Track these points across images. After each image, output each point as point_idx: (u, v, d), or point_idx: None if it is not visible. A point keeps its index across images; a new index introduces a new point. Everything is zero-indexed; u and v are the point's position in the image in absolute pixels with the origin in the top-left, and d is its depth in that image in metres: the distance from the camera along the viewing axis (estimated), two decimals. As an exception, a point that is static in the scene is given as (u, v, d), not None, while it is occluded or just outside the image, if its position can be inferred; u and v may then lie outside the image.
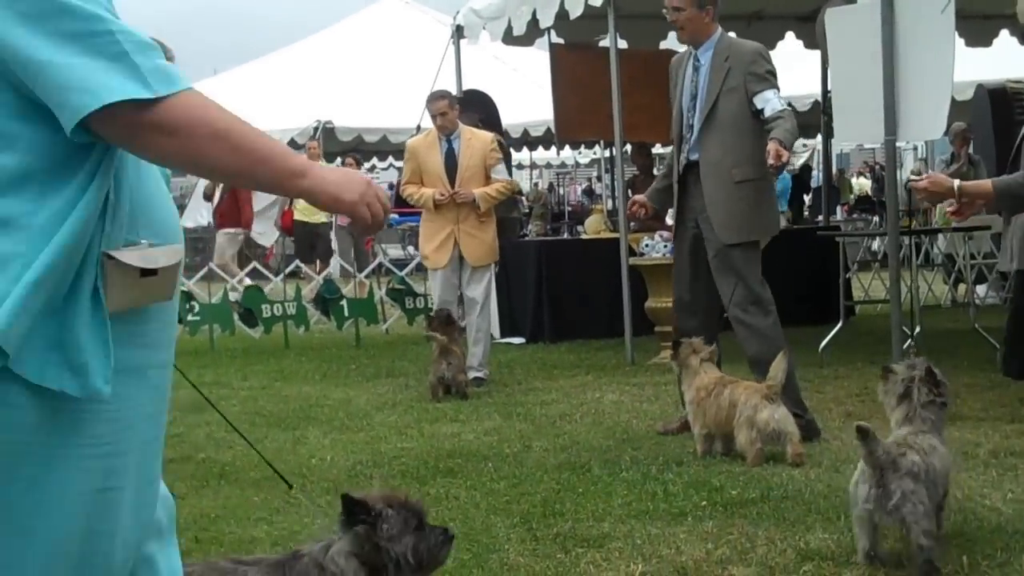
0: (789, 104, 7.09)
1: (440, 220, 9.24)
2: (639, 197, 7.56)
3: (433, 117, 9.32)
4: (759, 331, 6.82)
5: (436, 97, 9.37)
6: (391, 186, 23.22)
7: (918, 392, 4.48)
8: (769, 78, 6.82)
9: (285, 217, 16.04)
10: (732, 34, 7.76)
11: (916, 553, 4.16)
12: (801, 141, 27.38)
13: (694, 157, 6.94)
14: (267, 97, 23.14)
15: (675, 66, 7.17)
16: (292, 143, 18.22)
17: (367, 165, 30.46)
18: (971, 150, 14.46)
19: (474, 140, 9.32)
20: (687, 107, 6.99)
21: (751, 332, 6.83)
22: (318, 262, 16.32)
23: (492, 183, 9.26)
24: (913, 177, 4.38)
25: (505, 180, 9.46)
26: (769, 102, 6.74)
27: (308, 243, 15.83)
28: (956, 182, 4.92)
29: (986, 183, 5.11)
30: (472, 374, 9.14)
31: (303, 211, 15.71)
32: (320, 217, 15.72)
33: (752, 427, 6.16)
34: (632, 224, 10.68)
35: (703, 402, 6.43)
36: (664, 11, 7.10)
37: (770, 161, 6.44)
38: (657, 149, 15.52)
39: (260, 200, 20.57)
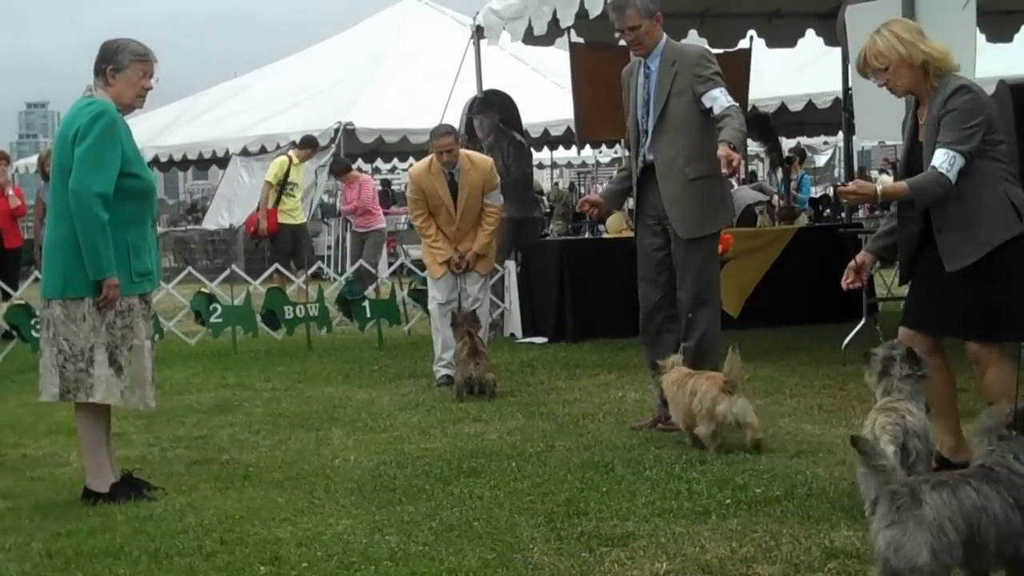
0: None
1: (442, 242, 9.49)
2: (591, 196, 7.92)
3: (439, 153, 9.34)
4: (712, 317, 7.18)
5: (442, 133, 9.44)
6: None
7: (897, 368, 5.11)
8: (714, 78, 7.05)
9: (270, 216, 15.29)
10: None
11: None
12: (823, 138, 27.32)
13: (650, 159, 7.20)
14: (288, 99, 23.23)
15: (626, 76, 7.42)
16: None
17: (387, 166, 30.55)
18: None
19: (473, 171, 9.42)
20: (640, 113, 7.24)
21: (704, 316, 7.14)
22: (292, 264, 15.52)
23: (484, 209, 9.49)
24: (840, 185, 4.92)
25: (496, 208, 9.65)
26: (716, 100, 6.97)
27: (291, 246, 15.36)
28: (879, 187, 5.68)
29: (902, 184, 5.52)
30: None
31: (287, 212, 15.31)
32: (303, 219, 15.42)
33: (711, 419, 6.41)
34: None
35: (675, 395, 6.71)
36: (618, 35, 7.34)
37: (723, 171, 6.69)
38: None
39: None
